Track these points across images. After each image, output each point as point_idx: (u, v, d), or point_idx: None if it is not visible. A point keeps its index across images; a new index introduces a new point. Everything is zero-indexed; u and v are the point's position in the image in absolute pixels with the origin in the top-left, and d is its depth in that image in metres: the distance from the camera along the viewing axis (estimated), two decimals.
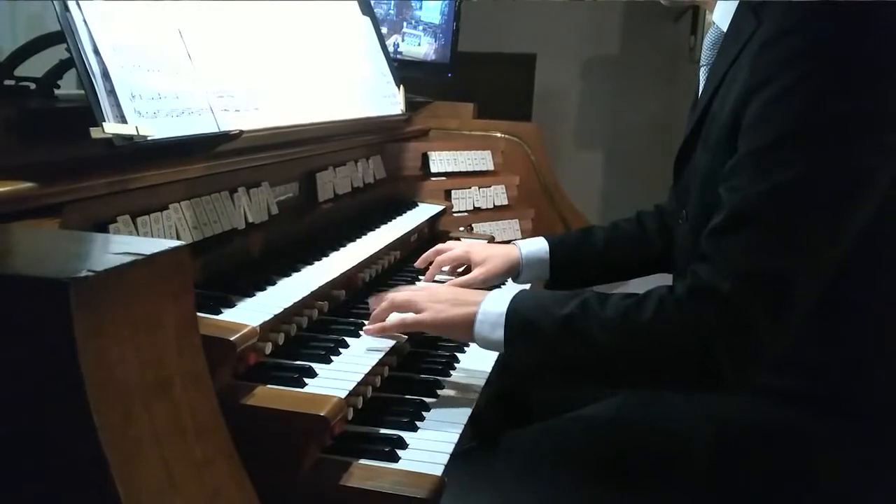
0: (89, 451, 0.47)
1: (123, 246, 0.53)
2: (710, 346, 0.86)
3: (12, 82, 1.06)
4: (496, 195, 2.15)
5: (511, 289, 1.05)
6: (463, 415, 1.02)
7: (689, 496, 1.01)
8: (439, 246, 1.43)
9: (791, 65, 0.87)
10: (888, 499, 0.97)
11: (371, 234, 1.45)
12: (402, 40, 2.22)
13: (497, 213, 2.13)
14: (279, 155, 1.23)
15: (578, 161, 4.52)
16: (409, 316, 1.06)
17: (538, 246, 1.38)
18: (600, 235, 1.39)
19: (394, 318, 1.08)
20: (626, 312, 0.91)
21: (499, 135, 2.26)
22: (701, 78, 1.11)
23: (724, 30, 1.04)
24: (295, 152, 1.29)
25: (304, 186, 1.40)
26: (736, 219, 0.88)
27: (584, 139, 4.67)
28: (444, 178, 2.03)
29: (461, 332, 1.05)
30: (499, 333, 0.98)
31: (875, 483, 0.96)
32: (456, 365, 1.18)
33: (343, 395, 0.88)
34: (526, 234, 2.15)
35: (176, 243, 0.57)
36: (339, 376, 0.95)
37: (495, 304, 1.00)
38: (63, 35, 0.88)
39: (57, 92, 1.02)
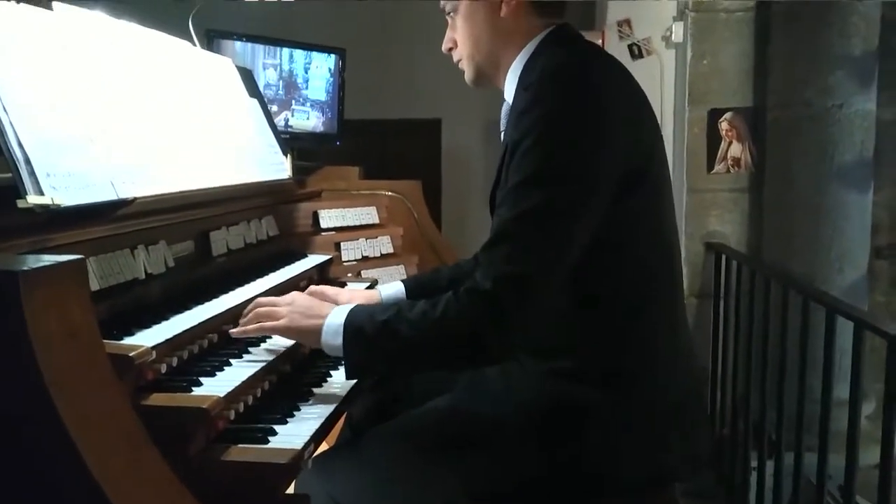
0: (30, 367, 0.78)
1: (47, 259, 0.86)
2: (479, 331, 1.17)
3: None
4: (382, 245, 2.45)
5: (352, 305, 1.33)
6: (326, 410, 1.28)
7: (506, 460, 1.29)
8: (311, 288, 1.67)
9: (535, 128, 1.20)
10: (634, 452, 1.27)
11: (260, 279, 1.71)
12: (292, 115, 2.53)
13: (384, 260, 2.42)
14: (173, 217, 1.49)
15: (488, 218, 4.87)
16: (268, 322, 1.33)
17: (396, 288, 1.68)
18: (446, 273, 1.70)
19: (255, 324, 1.35)
20: (424, 312, 1.21)
21: (384, 193, 2.58)
22: (503, 140, 1.45)
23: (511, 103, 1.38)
24: (187, 214, 1.55)
25: (199, 243, 1.65)
26: (497, 237, 1.21)
27: None
28: (333, 232, 2.32)
29: (311, 340, 1.32)
30: (339, 340, 1.26)
31: (624, 437, 1.26)
32: (328, 379, 1.45)
33: (222, 394, 1.14)
34: None
35: (77, 257, 0.90)
36: (221, 384, 1.21)
37: (337, 317, 1.29)
38: None
39: None
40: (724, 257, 3.10)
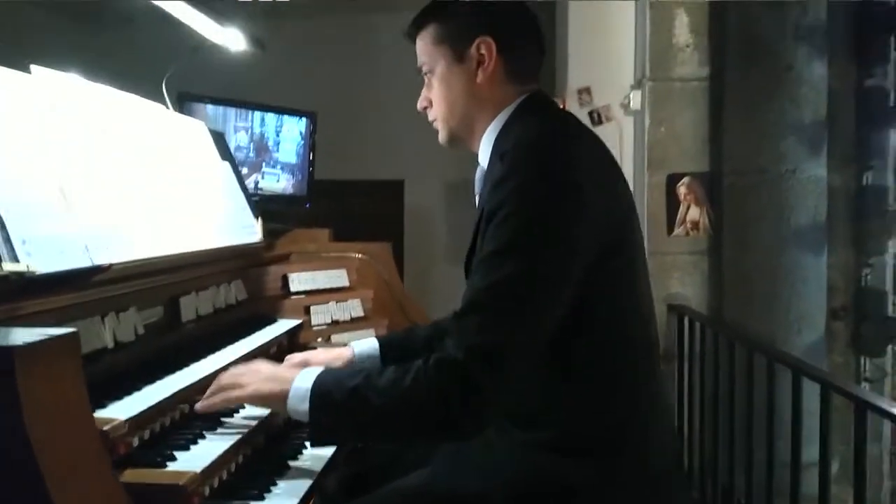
0: (22, 440, 0.77)
1: (41, 332, 0.86)
2: (450, 403, 1.13)
3: None
4: (352, 308, 2.42)
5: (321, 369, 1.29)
6: (304, 486, 1.24)
7: None
8: (290, 358, 1.61)
9: (510, 199, 1.20)
10: None
11: (231, 346, 1.67)
12: (262, 178, 2.53)
13: (354, 324, 2.39)
14: (144, 283, 1.46)
15: (449, 277, 4.89)
16: (233, 392, 1.29)
17: (370, 345, 1.64)
18: (422, 333, 1.67)
19: (220, 395, 1.31)
20: (394, 380, 1.18)
21: (353, 255, 2.57)
22: (476, 204, 1.46)
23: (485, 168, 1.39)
24: (158, 280, 1.51)
25: (168, 309, 1.62)
26: (469, 306, 1.19)
27: (452, 256, 5.07)
28: (303, 295, 2.29)
29: (277, 405, 1.27)
30: (305, 406, 1.22)
31: None
32: (304, 451, 1.41)
33: (198, 470, 1.10)
34: None
35: (70, 330, 0.89)
36: (195, 459, 1.16)
37: (304, 381, 1.24)
38: None
39: None
40: (686, 319, 3.14)
